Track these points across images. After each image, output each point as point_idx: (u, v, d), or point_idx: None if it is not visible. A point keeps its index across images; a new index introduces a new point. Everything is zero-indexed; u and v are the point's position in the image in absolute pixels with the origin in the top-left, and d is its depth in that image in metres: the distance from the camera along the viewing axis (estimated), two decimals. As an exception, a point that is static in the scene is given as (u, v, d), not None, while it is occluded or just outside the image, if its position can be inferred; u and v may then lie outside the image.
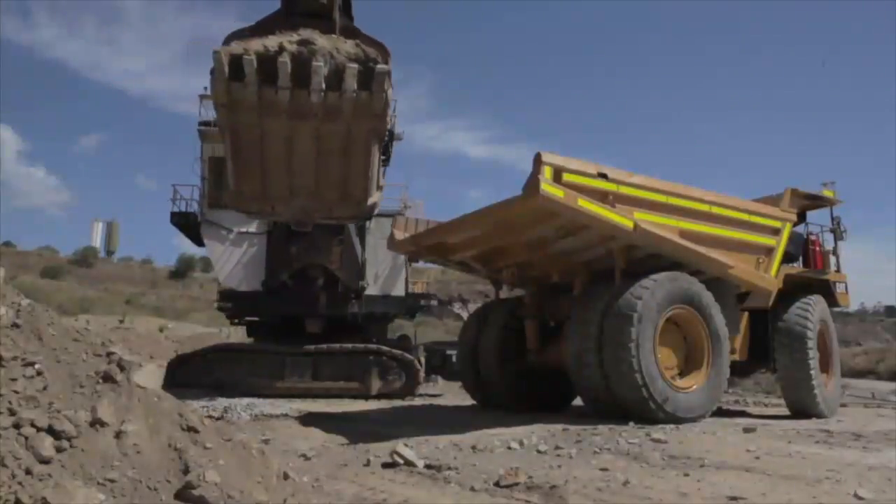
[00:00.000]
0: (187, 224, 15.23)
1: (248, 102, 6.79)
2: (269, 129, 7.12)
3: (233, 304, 15.09)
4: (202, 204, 14.95)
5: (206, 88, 15.51)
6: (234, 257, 14.69)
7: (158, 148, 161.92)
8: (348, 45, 6.93)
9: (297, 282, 14.54)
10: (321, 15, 7.14)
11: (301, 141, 7.26)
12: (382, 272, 15.34)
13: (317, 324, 14.72)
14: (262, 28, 7.03)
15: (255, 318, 16.17)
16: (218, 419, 7.97)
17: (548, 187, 7.29)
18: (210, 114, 15.05)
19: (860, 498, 4.17)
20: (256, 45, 6.74)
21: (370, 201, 7.85)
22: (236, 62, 6.62)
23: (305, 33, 6.94)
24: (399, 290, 15.58)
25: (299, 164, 7.44)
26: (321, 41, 6.88)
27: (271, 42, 6.78)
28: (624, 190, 8.09)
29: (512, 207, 8.02)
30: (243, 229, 14.72)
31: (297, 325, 14.69)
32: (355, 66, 6.79)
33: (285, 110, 6.90)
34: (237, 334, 23.79)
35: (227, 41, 6.92)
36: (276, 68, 6.67)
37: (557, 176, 7.47)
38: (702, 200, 8.96)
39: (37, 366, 3.14)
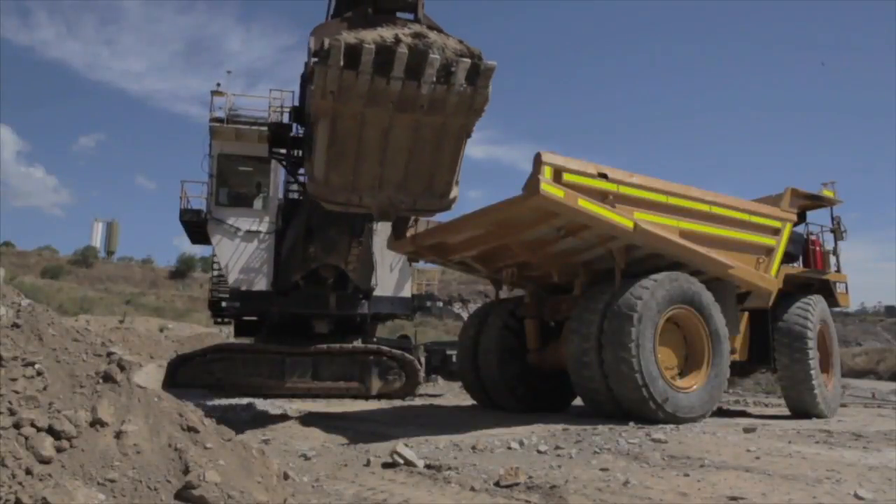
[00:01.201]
0: (197, 222, 15.04)
1: (359, 91, 6.84)
2: (371, 119, 7.17)
3: (241, 303, 14.93)
4: (209, 201, 14.86)
5: (218, 85, 15.47)
6: (243, 256, 14.62)
7: (158, 148, 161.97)
8: (453, 41, 7.04)
9: (307, 282, 14.49)
10: (404, 13, 7.29)
11: (398, 132, 7.33)
12: (392, 273, 15.34)
13: (325, 324, 14.70)
14: (353, 22, 7.12)
15: (248, 318, 16.10)
16: (218, 419, 7.97)
17: (548, 187, 7.29)
18: (219, 111, 15.01)
19: (860, 498, 4.17)
20: (372, 35, 6.82)
21: (451, 195, 7.90)
22: (351, 51, 6.68)
23: (415, 27, 7.07)
24: (406, 292, 15.59)
25: (392, 155, 7.49)
26: (433, 35, 6.99)
27: (387, 33, 6.87)
28: (624, 190, 8.09)
29: (512, 207, 8.02)
30: (251, 228, 14.68)
31: (303, 325, 14.66)
32: (467, 60, 6.86)
33: (393, 101, 6.96)
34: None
35: (315, 32, 7.03)
36: (390, 59, 6.74)
37: (557, 176, 7.47)
38: (702, 200, 8.96)
39: (37, 366, 3.15)
